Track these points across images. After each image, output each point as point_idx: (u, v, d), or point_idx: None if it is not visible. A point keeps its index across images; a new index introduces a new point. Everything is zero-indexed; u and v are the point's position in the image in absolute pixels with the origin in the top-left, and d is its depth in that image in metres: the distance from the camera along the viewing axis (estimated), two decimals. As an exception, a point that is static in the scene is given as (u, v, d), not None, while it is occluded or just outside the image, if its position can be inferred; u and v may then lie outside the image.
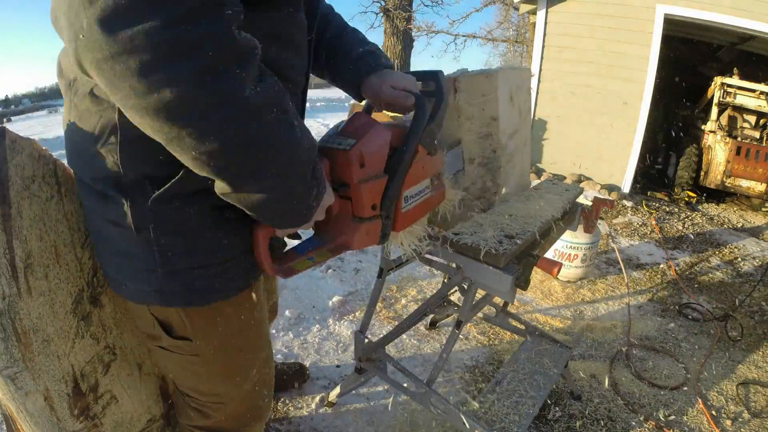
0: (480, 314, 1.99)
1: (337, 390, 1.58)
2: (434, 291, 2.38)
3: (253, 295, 0.84)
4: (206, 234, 0.71)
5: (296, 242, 0.82)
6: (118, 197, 0.67)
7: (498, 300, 1.89)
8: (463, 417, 1.23)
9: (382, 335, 1.46)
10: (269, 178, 0.57)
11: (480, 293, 1.77)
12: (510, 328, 1.80)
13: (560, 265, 0.95)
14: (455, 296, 2.12)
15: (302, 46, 0.77)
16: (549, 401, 1.66)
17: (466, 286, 1.23)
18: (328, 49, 0.98)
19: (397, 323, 1.61)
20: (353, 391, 1.66)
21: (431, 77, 0.90)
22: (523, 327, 1.73)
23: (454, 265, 1.09)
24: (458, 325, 1.19)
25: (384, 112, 1.01)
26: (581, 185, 4.62)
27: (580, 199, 1.43)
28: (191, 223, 0.69)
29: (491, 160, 1.09)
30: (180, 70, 0.45)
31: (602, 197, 1.38)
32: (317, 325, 2.02)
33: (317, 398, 1.63)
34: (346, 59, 0.95)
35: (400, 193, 0.78)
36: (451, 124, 1.11)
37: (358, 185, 0.71)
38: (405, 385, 1.42)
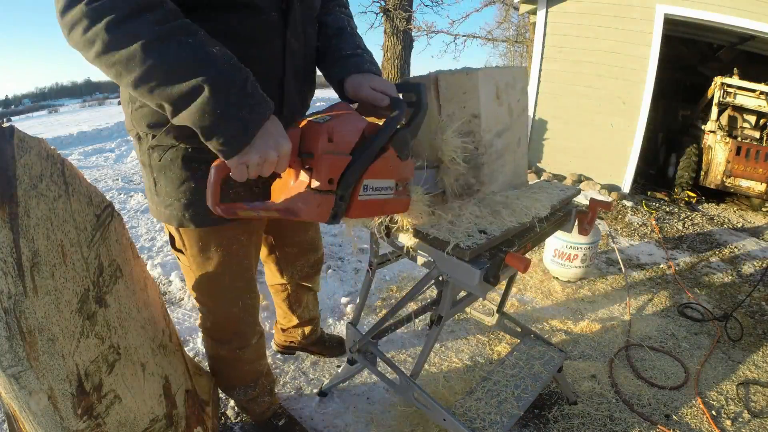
0: (477, 315, 2.00)
1: (328, 380, 1.59)
2: (433, 291, 2.38)
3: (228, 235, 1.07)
4: (180, 176, 0.95)
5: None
6: (137, 142, 0.98)
7: (496, 299, 1.90)
8: (442, 412, 1.24)
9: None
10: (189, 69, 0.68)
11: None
12: (506, 329, 1.79)
13: (528, 262, 0.92)
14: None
15: (269, 42, 0.91)
16: (549, 401, 1.66)
17: (443, 281, 1.22)
18: (323, 47, 1.05)
19: (396, 322, 1.62)
20: (353, 392, 1.67)
21: (413, 89, 0.93)
22: (519, 329, 1.73)
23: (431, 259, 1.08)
24: (438, 320, 1.18)
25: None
26: (581, 185, 4.62)
27: (580, 200, 1.42)
28: (170, 166, 0.95)
29: (473, 156, 1.10)
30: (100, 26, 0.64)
31: (599, 199, 1.35)
32: (318, 325, 2.03)
33: (317, 399, 1.63)
34: (336, 57, 1.03)
35: (359, 179, 0.81)
36: (435, 140, 1.10)
37: (320, 155, 0.75)
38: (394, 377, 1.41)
